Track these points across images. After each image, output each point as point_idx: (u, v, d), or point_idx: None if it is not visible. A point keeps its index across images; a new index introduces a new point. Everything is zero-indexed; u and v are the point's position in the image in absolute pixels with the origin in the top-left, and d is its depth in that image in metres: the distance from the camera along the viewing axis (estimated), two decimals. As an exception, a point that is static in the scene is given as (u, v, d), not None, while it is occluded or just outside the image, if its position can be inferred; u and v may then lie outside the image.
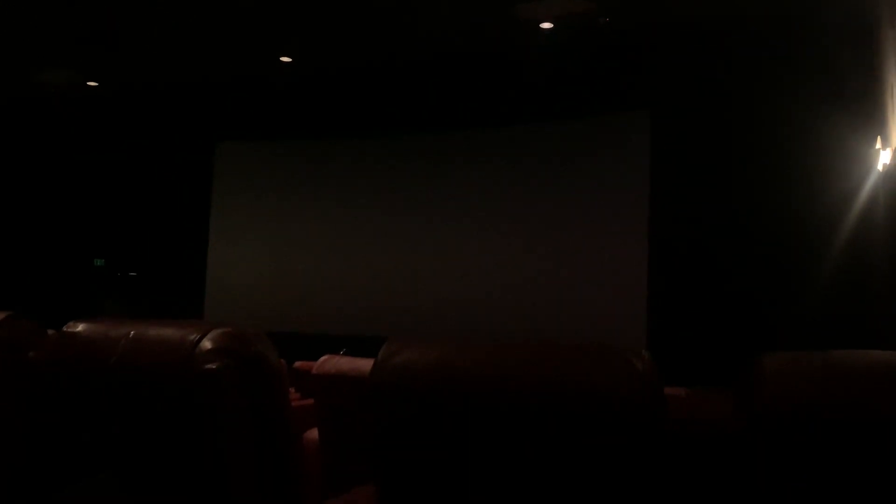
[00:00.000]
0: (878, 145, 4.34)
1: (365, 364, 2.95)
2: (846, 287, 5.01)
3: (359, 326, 7.80)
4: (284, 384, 1.55)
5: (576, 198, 7.22)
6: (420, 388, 1.25)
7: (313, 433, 3.13)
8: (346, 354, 4.41)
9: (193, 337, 1.45)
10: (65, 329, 1.55)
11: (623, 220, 6.92)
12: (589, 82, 6.90)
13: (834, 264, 5.07)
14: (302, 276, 8.41)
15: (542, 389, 1.21)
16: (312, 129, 8.32)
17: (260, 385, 1.49)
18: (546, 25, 6.28)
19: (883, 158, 4.29)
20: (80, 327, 1.54)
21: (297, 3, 6.01)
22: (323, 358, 3.10)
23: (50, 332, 3.50)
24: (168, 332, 1.49)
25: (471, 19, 6.28)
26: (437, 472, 1.25)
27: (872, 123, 4.56)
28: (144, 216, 8.77)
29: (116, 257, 9.00)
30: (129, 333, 1.49)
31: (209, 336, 1.45)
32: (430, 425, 1.25)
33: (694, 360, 5.59)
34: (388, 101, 7.82)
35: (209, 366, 1.41)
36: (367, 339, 7.37)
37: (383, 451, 1.29)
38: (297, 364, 5.13)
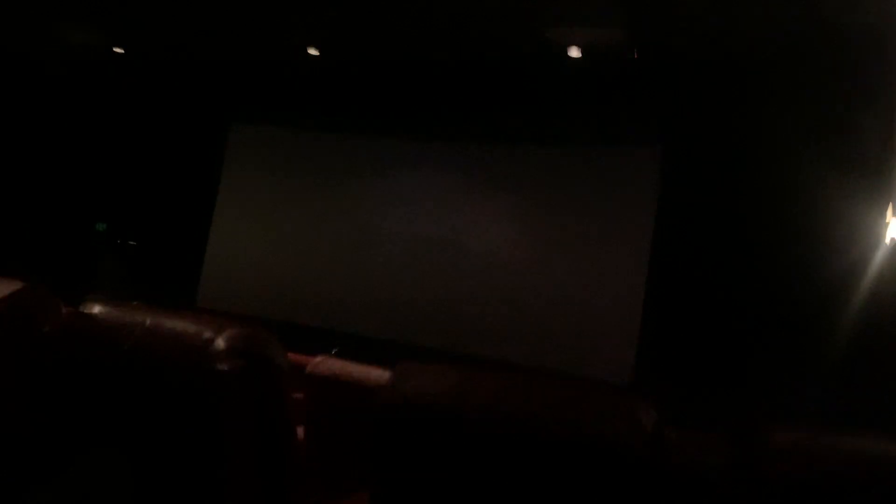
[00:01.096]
0: (889, 217, 4.35)
1: (358, 370, 2.96)
2: (853, 358, 4.98)
3: (351, 322, 7.83)
4: (290, 387, 1.57)
5: (578, 224, 7.25)
6: (428, 417, 1.27)
7: (299, 431, 3.13)
8: (337, 354, 4.43)
9: (208, 335, 1.46)
10: (81, 308, 1.56)
11: (624, 252, 6.95)
12: (603, 111, 6.94)
13: (843, 330, 5.05)
14: (300, 266, 8.42)
15: (547, 430, 1.23)
16: (328, 121, 8.33)
17: (268, 388, 1.51)
18: (574, 54, 6.31)
19: (892, 231, 4.30)
20: (97, 308, 1.55)
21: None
22: (318, 359, 3.11)
23: (64, 308, 3.51)
24: (183, 325, 1.50)
25: (501, 31, 6.30)
26: (436, 496, 1.27)
27: (885, 192, 4.58)
28: (152, 187, 8.76)
29: (118, 224, 8.99)
30: (145, 322, 1.50)
31: (224, 335, 1.46)
32: (435, 454, 1.26)
33: (684, 399, 5.61)
34: (404, 100, 7.85)
35: (221, 366, 1.43)
36: (360, 338, 7.34)
37: (383, 473, 1.31)
38: (290, 356, 5.14)
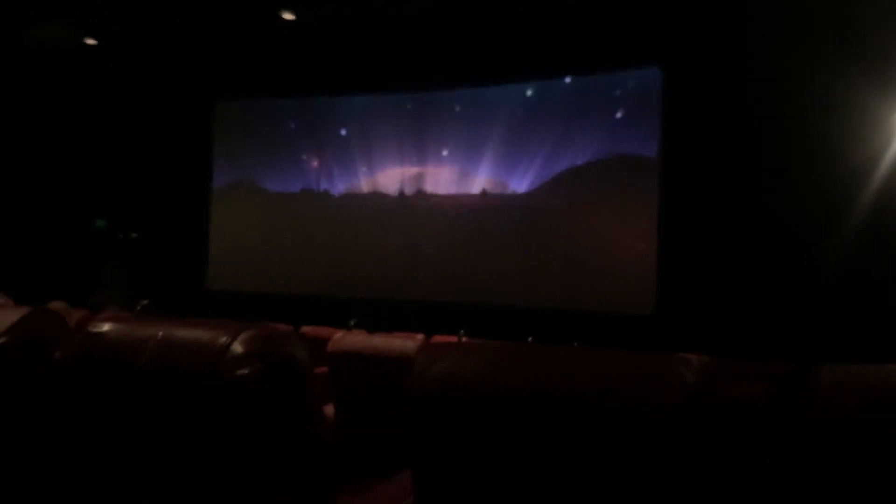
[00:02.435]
0: (900, 112, 4.24)
1: (380, 342, 2.93)
2: (866, 254, 4.95)
3: (362, 287, 7.80)
4: (314, 385, 1.52)
5: (586, 156, 7.13)
6: (462, 398, 1.22)
7: (329, 409, 3.13)
8: (356, 325, 4.41)
9: (223, 340, 1.41)
10: (90, 329, 1.51)
11: (633, 182, 6.85)
12: (601, 37, 6.73)
13: (853, 232, 5.00)
14: (304, 236, 8.37)
15: (586, 401, 1.18)
16: (313, 87, 8.18)
17: (291, 388, 1.47)
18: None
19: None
20: (106, 327, 1.51)
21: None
22: (338, 334, 3.08)
23: (75, 312, 3.46)
24: (197, 333, 1.45)
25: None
26: (479, 484, 1.23)
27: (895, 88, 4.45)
28: (145, 177, 8.67)
29: (118, 218, 8.93)
30: (157, 335, 1.46)
31: (240, 339, 1.42)
32: (473, 436, 1.22)
33: (700, 325, 5.59)
34: (390, 57, 7.67)
35: (240, 371, 1.38)
36: (377, 302, 7.35)
37: (423, 461, 1.27)
38: (305, 329, 5.13)
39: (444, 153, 7.81)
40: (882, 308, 4.67)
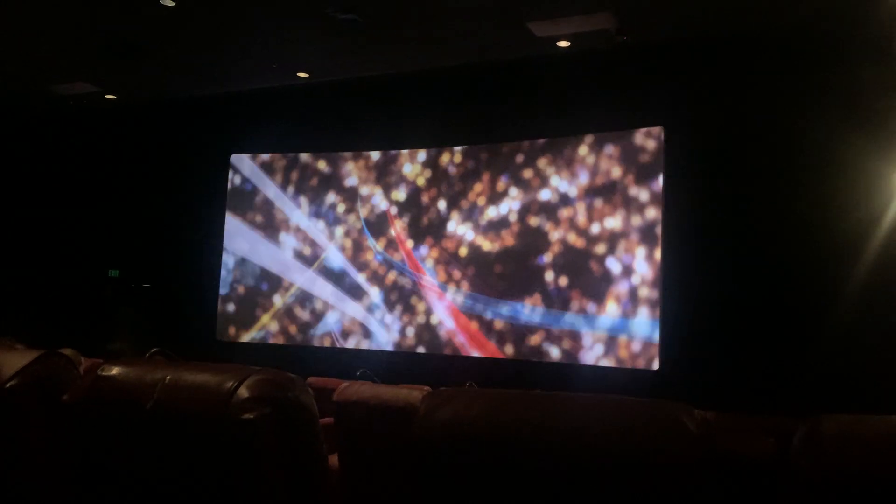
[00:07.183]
0: (902, 170, 4.28)
1: (387, 392, 2.93)
2: (867, 315, 4.92)
3: (373, 340, 7.79)
4: (320, 430, 1.53)
5: (586, 214, 7.19)
6: (468, 442, 1.22)
7: (333, 459, 3.11)
8: (363, 375, 4.41)
9: (230, 384, 1.43)
10: (98, 372, 1.53)
11: (635, 240, 6.88)
12: (603, 97, 6.84)
13: (855, 290, 4.99)
14: (314, 288, 8.40)
15: (591, 448, 1.19)
16: (327, 142, 8.31)
17: (297, 433, 1.47)
18: (563, 44, 6.27)
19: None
20: (115, 370, 1.52)
21: (313, 20, 6.02)
22: (344, 384, 3.07)
23: (83, 361, 3.47)
24: (204, 377, 1.46)
25: (487, 34, 6.29)
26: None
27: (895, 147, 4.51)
28: (159, 228, 8.76)
29: (131, 269, 8.99)
30: (165, 378, 1.47)
31: (246, 383, 1.43)
32: (477, 480, 1.22)
33: (705, 382, 5.56)
34: (402, 115, 7.81)
35: (246, 415, 1.39)
36: (383, 353, 7.26)
37: (426, 501, 1.27)
38: (311, 380, 5.11)
39: (448, 207, 7.88)
40: (884, 363, 4.62)
